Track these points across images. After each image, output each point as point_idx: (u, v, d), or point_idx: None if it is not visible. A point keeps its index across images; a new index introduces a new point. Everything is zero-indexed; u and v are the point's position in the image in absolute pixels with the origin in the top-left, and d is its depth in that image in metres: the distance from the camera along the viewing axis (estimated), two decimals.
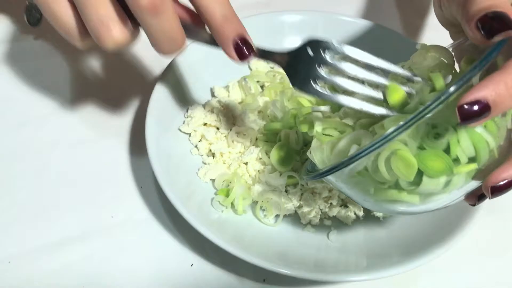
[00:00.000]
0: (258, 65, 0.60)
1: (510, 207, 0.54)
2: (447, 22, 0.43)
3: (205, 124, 0.55)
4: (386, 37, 0.60)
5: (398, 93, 0.38)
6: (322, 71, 0.41)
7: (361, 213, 0.51)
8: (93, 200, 0.52)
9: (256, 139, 0.53)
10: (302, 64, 0.41)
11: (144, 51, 0.65)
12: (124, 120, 0.58)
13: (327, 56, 0.40)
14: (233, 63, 0.43)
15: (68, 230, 0.50)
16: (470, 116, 0.31)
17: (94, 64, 0.64)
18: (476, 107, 0.31)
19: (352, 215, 0.50)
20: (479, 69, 0.31)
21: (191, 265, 0.48)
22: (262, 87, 0.58)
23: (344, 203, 0.51)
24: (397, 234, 0.49)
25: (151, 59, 0.64)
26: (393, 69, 0.40)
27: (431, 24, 0.72)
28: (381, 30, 0.60)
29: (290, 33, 0.61)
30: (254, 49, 0.42)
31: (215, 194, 0.51)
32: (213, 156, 0.53)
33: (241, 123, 0.54)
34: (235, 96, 0.57)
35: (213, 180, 0.52)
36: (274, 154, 0.50)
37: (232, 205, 0.49)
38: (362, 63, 0.40)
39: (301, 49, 0.41)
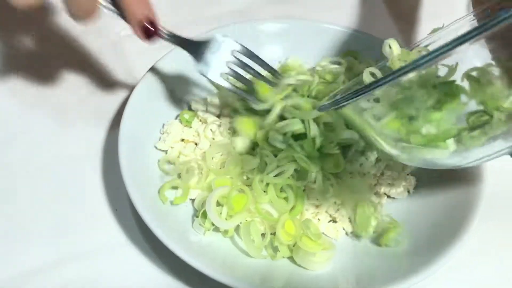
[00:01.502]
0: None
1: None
2: None
3: (182, 140, 0.52)
4: (360, 41, 0.59)
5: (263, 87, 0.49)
6: (225, 62, 0.49)
7: (349, 229, 0.48)
8: (66, 226, 0.49)
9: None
10: (209, 53, 0.49)
11: (116, 64, 0.62)
12: (95, 140, 0.55)
13: (231, 50, 0.49)
14: None
15: (41, 259, 0.47)
16: None
17: (64, 82, 0.61)
18: None
19: (341, 231, 0.48)
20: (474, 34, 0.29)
21: None
22: None
23: (332, 219, 0.49)
24: (386, 252, 0.46)
25: (124, 74, 0.62)
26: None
27: (407, 29, 0.71)
28: (356, 35, 0.60)
29: (266, 41, 0.60)
30: (160, 29, 0.46)
31: (195, 216, 0.47)
32: (192, 174, 0.50)
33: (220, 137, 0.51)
34: (213, 109, 0.54)
35: (192, 200, 0.49)
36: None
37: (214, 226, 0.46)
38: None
39: (211, 41, 0.49)
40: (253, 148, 0.50)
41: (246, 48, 0.50)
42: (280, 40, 0.61)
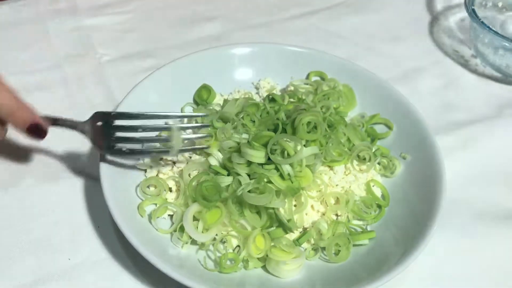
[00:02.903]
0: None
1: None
2: None
3: (161, 159, 0.55)
4: (325, 60, 0.64)
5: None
6: (114, 135, 0.50)
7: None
8: (48, 244, 0.51)
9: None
10: (99, 134, 0.50)
11: (96, 88, 0.65)
12: (78, 160, 0.58)
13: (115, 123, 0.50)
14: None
15: (23, 277, 0.49)
16: None
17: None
18: None
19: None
20: None
21: None
22: None
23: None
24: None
25: (104, 98, 0.65)
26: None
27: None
28: (321, 56, 0.65)
29: (240, 65, 0.64)
30: (46, 130, 0.49)
31: (173, 231, 0.50)
32: (170, 191, 0.53)
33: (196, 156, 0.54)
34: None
35: (171, 216, 0.52)
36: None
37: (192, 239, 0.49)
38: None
39: (92, 121, 0.50)
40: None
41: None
42: (252, 63, 0.64)
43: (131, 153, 0.51)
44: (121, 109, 0.55)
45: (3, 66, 0.67)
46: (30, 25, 0.76)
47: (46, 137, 0.50)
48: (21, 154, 0.58)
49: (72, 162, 0.58)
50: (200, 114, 0.55)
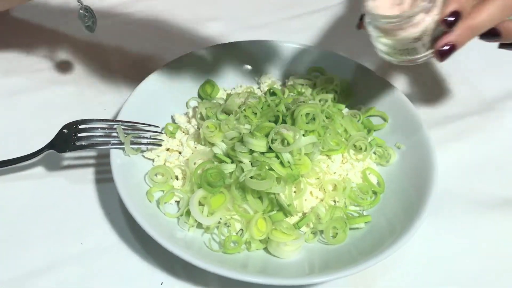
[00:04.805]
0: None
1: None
2: None
3: (167, 150, 0.58)
4: (324, 57, 0.67)
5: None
6: (77, 136, 0.56)
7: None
8: (62, 229, 0.54)
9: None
10: (62, 140, 0.56)
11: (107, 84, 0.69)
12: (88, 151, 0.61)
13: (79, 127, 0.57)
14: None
15: (39, 261, 0.52)
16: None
17: (54, 95, 0.67)
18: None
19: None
20: None
21: (161, 283, 0.51)
22: None
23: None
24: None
25: (117, 88, 0.69)
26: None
27: None
28: (320, 53, 0.68)
29: (243, 61, 0.69)
30: None
31: (180, 215, 0.53)
32: (177, 179, 0.56)
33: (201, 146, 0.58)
34: (194, 122, 0.60)
35: (177, 202, 0.55)
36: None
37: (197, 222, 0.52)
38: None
39: (60, 130, 0.57)
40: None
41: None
42: (253, 60, 0.68)
43: (87, 146, 0.56)
44: (130, 101, 0.58)
45: (11, 63, 0.72)
46: (39, 23, 0.79)
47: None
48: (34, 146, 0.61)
49: (84, 154, 0.61)
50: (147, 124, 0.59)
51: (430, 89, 0.73)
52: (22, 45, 0.75)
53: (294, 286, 0.49)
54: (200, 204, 0.52)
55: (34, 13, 0.80)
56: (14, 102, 0.67)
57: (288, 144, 0.52)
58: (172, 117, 0.62)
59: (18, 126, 0.64)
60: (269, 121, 0.56)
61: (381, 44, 0.51)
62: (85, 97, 0.68)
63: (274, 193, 0.52)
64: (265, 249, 0.52)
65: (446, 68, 0.76)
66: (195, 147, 0.58)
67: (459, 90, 0.73)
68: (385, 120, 0.63)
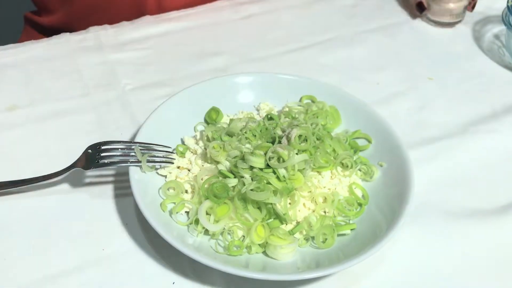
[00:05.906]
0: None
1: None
2: None
3: (178, 167, 0.66)
4: (314, 86, 0.76)
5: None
6: (100, 155, 0.64)
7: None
8: (85, 238, 0.61)
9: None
10: (87, 159, 0.64)
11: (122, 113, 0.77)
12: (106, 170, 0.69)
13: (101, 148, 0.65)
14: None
15: (60, 266, 0.58)
16: None
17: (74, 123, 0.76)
18: None
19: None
20: None
21: (173, 283, 0.58)
22: None
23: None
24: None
25: (136, 110, 0.77)
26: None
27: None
28: (311, 82, 0.77)
29: (243, 91, 0.77)
30: None
31: (190, 223, 0.61)
32: (186, 192, 0.64)
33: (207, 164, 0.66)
34: (201, 143, 0.69)
35: (187, 213, 0.63)
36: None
37: (205, 230, 0.60)
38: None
39: (85, 151, 0.65)
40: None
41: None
42: (253, 89, 0.76)
43: (110, 164, 0.63)
44: (144, 128, 0.66)
45: (39, 94, 0.80)
46: (62, 60, 0.87)
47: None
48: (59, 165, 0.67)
49: (103, 172, 0.69)
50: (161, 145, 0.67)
51: (410, 115, 0.81)
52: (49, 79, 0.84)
53: (288, 282, 0.57)
54: (207, 213, 0.60)
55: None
56: (44, 127, 0.75)
57: (284, 161, 0.60)
58: (181, 139, 0.70)
59: (45, 149, 0.72)
60: (267, 142, 0.65)
61: None
62: (104, 123, 0.76)
63: (271, 204, 0.59)
64: (264, 252, 0.59)
65: (426, 96, 0.85)
66: (202, 165, 0.65)
67: (436, 115, 0.81)
68: (369, 141, 0.71)
